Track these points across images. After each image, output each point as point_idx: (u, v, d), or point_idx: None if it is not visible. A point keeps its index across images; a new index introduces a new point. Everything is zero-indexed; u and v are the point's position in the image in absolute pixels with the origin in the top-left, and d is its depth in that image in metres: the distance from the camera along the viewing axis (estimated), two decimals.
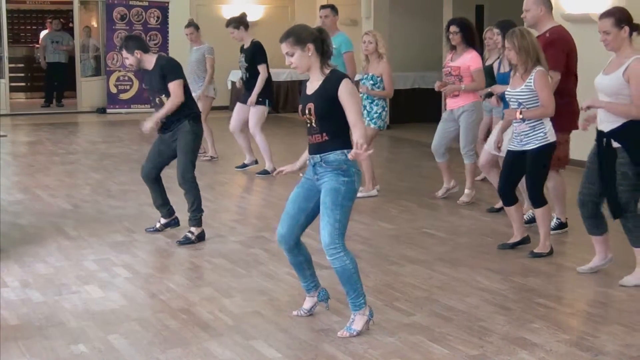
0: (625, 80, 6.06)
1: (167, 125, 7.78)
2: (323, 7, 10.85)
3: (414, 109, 17.03)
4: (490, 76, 9.06)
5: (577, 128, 7.66)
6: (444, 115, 9.52)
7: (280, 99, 19.28)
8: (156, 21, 19.58)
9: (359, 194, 9.64)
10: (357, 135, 5.09)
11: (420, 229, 8.33)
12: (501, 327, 5.50)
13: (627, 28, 6.13)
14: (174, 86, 7.67)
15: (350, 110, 5.17)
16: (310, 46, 5.22)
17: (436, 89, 9.54)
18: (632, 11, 8.82)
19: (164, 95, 7.73)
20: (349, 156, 5.10)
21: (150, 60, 7.77)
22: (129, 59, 7.75)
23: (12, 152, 13.52)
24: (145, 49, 7.85)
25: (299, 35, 5.23)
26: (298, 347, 5.20)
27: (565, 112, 7.34)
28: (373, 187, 9.99)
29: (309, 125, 5.33)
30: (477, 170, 9.46)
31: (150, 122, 7.75)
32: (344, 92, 5.17)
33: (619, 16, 6.17)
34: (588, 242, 6.82)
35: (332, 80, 5.23)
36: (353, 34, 12.32)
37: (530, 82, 6.89)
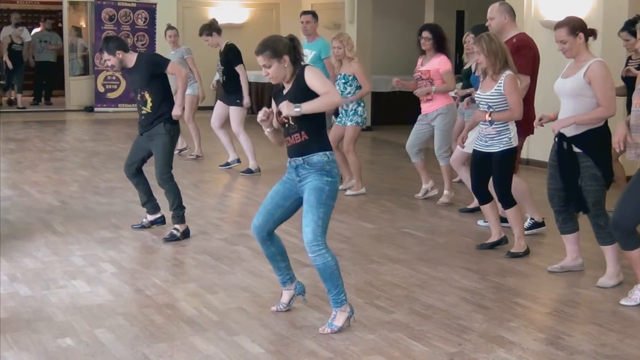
0: (586, 82, 6.25)
1: (146, 125, 7.83)
2: (304, 12, 11.01)
3: (395, 111, 17.07)
4: (469, 78, 9.24)
5: (532, 133, 7.82)
6: (419, 117, 9.66)
7: (264, 99, 19.31)
8: (144, 22, 19.64)
9: (349, 193, 9.94)
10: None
11: (401, 229, 8.43)
12: (479, 326, 5.59)
13: (581, 34, 6.33)
14: (172, 66, 7.81)
15: (319, 87, 5.24)
16: (286, 57, 5.33)
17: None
18: (608, 17, 8.95)
19: (146, 92, 7.73)
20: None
21: (131, 59, 7.78)
22: (111, 60, 7.71)
23: (1, 149, 13.51)
24: (126, 49, 7.82)
25: (275, 48, 5.31)
26: (280, 343, 5.28)
27: (523, 118, 7.43)
28: (362, 186, 10.16)
29: (286, 126, 5.41)
30: (453, 171, 9.60)
31: (177, 109, 7.78)
32: (309, 76, 5.27)
33: (573, 24, 6.37)
34: (564, 243, 6.91)
35: (299, 74, 5.33)
36: None
37: (500, 86, 7.05)
